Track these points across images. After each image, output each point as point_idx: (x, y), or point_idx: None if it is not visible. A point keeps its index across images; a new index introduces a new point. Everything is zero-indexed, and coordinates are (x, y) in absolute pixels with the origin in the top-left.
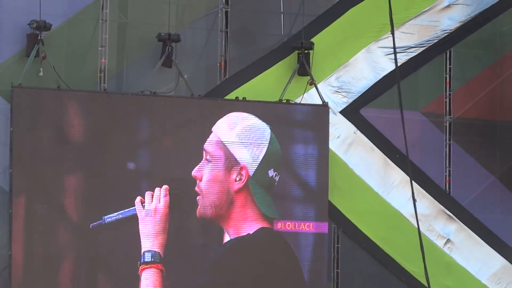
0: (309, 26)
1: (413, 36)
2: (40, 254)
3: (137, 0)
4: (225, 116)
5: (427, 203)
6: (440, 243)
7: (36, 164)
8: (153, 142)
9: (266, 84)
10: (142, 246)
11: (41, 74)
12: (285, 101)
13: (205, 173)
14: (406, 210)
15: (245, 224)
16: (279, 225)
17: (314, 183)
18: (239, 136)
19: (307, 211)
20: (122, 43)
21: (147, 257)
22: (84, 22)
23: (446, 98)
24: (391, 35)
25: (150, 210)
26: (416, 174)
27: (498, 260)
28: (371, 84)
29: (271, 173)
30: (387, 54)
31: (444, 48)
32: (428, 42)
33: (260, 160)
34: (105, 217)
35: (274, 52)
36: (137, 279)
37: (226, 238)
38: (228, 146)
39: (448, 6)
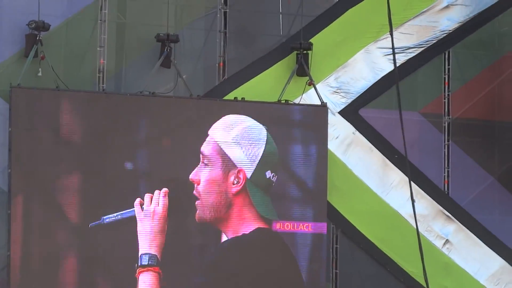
0: (308, 26)
1: (412, 36)
2: (39, 255)
3: (135, 0)
4: (221, 119)
5: (425, 203)
6: (438, 243)
7: (35, 164)
8: (152, 143)
9: (265, 85)
10: (139, 249)
11: (39, 74)
12: (283, 101)
13: (202, 177)
14: (405, 210)
15: (243, 226)
16: (278, 226)
17: (313, 184)
18: (236, 139)
19: (305, 212)
20: (121, 43)
21: (144, 260)
22: (82, 22)
23: (445, 99)
24: (390, 35)
25: (149, 212)
26: (414, 175)
27: (496, 260)
28: (370, 85)
29: (268, 174)
30: (386, 55)
31: (443, 48)
32: (427, 42)
33: (257, 162)
34: (104, 217)
35: (273, 53)
36: (135, 281)
37: (224, 239)
38: (225, 149)
39: (447, 7)
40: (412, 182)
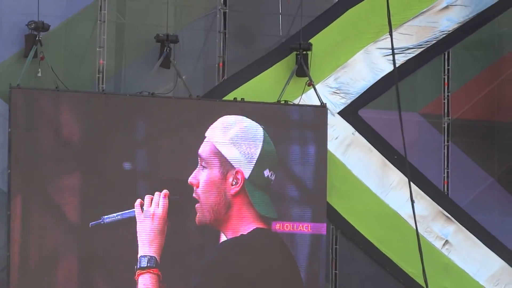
0: (307, 27)
1: (412, 37)
2: (38, 255)
3: (135, 1)
4: (217, 121)
5: (425, 204)
6: (438, 244)
7: (34, 165)
8: (151, 143)
9: (264, 85)
10: (139, 250)
11: (39, 75)
12: (283, 102)
13: (201, 180)
14: (404, 211)
15: (242, 227)
16: (277, 226)
17: (312, 184)
18: (233, 140)
19: (305, 212)
20: (120, 44)
21: (143, 262)
22: (82, 23)
23: (444, 99)
24: (389, 36)
25: (149, 214)
26: (414, 175)
27: (496, 261)
28: (370, 85)
29: (266, 173)
30: (385, 55)
31: (442, 49)
32: (426, 43)
33: (255, 161)
34: (105, 217)
35: (272, 53)
36: (135, 283)
37: (223, 240)
38: (222, 151)
39: (447, 7)
40: (411, 183)
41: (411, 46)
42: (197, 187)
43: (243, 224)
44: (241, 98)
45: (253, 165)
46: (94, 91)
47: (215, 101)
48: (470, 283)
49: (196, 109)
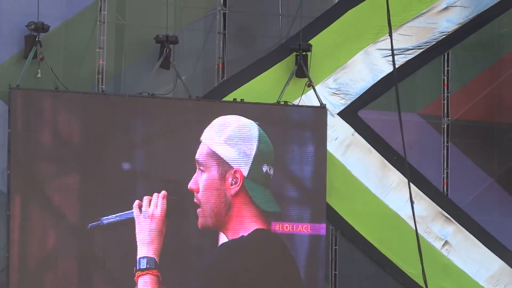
0: (307, 27)
1: (411, 38)
2: (38, 256)
3: (135, 1)
4: (210, 124)
5: (424, 205)
6: (438, 245)
7: (34, 165)
8: (151, 144)
9: (264, 86)
10: (138, 252)
11: (39, 75)
12: (283, 103)
13: (201, 185)
14: (404, 212)
15: (243, 226)
16: (277, 227)
17: (312, 185)
18: (228, 140)
19: (304, 213)
20: (120, 44)
21: (142, 264)
22: (82, 23)
23: (444, 100)
24: (389, 37)
25: (147, 215)
26: (414, 176)
27: (496, 262)
28: (369, 86)
29: (265, 168)
30: (385, 56)
31: (442, 50)
32: (426, 44)
33: (252, 158)
34: (103, 218)
35: (272, 54)
36: (134, 284)
37: (223, 241)
38: (218, 152)
39: (446, 8)
40: (411, 184)
41: (411, 47)
42: (197, 192)
43: (244, 223)
44: (241, 99)
45: (251, 163)
46: (93, 92)
47: (215, 102)
48: (470, 283)
49: (196, 110)
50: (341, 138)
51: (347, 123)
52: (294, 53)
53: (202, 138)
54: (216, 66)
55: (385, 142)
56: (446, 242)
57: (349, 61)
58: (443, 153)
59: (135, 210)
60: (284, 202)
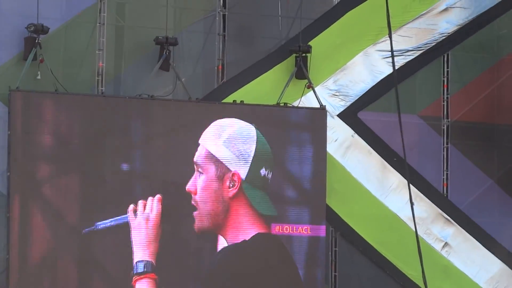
0: (307, 29)
1: (411, 39)
2: (37, 257)
3: (134, 3)
4: (209, 127)
5: (424, 206)
6: (437, 246)
7: (34, 167)
8: (150, 146)
9: (263, 88)
10: (134, 255)
11: (38, 77)
12: (282, 104)
13: (199, 186)
14: (404, 213)
15: (242, 229)
16: (277, 229)
17: (312, 187)
18: (226, 143)
19: (304, 214)
20: (120, 46)
21: (140, 268)
22: (81, 25)
23: (443, 102)
24: (389, 38)
25: (142, 218)
26: (413, 178)
27: (495, 263)
28: (369, 88)
29: (263, 172)
30: (384, 57)
31: (441, 51)
32: (425, 45)
33: (250, 161)
34: (98, 223)
35: (272, 56)
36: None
37: (222, 244)
38: (216, 155)
39: (446, 10)
40: (411, 185)
41: (411, 48)
42: (195, 194)
43: (243, 226)
44: (241, 101)
45: (249, 166)
46: (93, 94)
47: (214, 103)
48: (470, 285)
49: (195, 112)
50: (340, 140)
51: (347, 124)
52: (294, 55)
53: (201, 140)
54: (215, 68)
55: (385, 143)
56: (446, 244)
57: (349, 62)
58: (443, 154)
59: (129, 214)
60: (284, 204)
